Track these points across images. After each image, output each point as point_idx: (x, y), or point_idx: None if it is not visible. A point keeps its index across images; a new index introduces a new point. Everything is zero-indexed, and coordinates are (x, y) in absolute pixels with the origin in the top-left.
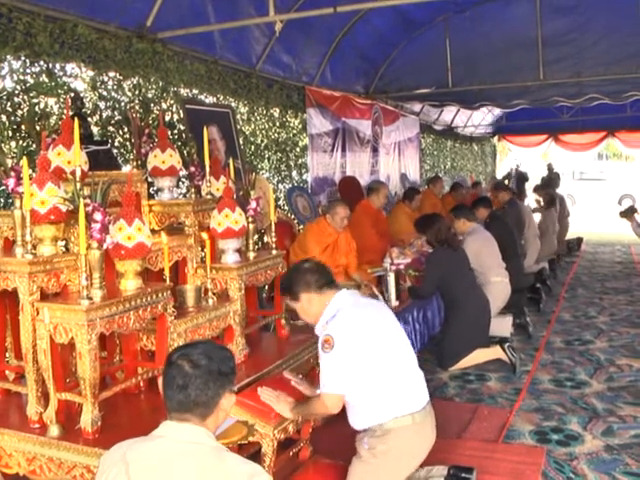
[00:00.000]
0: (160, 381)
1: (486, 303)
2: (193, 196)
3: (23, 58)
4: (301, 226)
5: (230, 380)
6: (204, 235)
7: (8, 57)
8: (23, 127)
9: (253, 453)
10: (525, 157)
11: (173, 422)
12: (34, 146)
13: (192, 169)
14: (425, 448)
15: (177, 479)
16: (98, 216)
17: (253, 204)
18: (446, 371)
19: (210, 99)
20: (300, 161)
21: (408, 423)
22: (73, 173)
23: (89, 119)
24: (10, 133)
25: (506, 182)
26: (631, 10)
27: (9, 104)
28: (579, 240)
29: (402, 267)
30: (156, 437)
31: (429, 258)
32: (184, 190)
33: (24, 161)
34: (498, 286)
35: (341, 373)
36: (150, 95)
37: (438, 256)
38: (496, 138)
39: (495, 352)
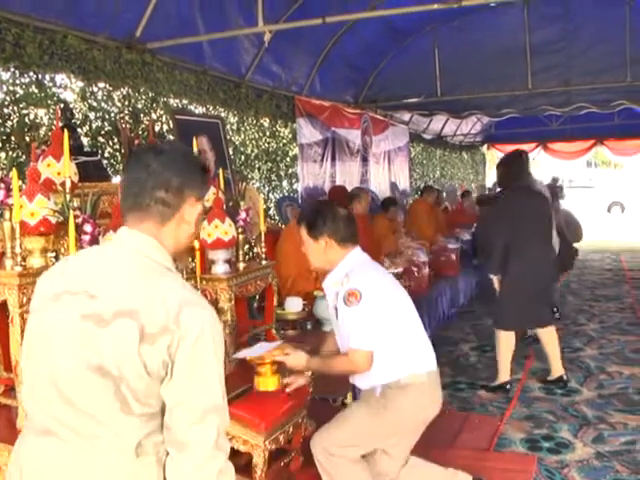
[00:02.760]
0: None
1: (551, 269)
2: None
3: (12, 69)
4: None
5: (199, 181)
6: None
7: None
8: (13, 138)
9: (244, 464)
10: None
11: (126, 228)
12: (24, 157)
13: None
14: (435, 409)
15: (107, 282)
16: (88, 228)
17: (243, 214)
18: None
19: (200, 109)
20: (290, 171)
21: (424, 380)
22: (63, 184)
23: (79, 130)
24: (0, 144)
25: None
26: (619, 19)
27: None
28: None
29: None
30: (109, 243)
31: (497, 202)
32: None
33: (14, 172)
34: None
35: (369, 328)
36: (140, 105)
37: (508, 200)
38: (485, 147)
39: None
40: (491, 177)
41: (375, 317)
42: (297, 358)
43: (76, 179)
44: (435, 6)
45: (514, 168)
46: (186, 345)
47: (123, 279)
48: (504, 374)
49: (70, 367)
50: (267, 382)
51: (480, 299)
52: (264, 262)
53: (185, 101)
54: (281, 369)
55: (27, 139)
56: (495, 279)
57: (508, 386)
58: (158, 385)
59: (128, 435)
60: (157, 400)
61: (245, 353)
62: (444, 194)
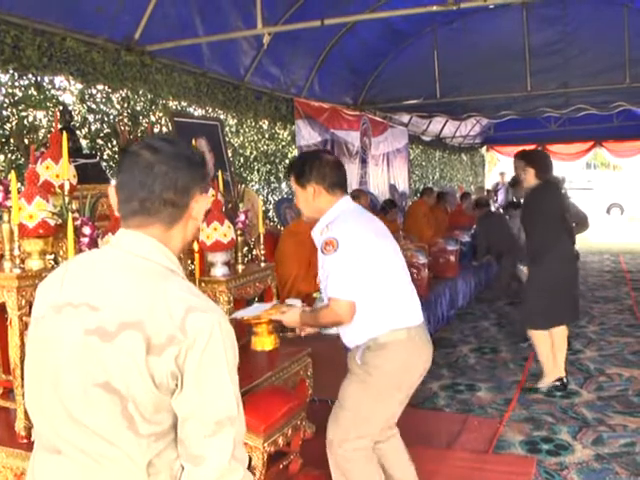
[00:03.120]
0: (111, 191)
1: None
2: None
3: (11, 71)
4: None
5: (201, 175)
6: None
7: None
8: (12, 140)
9: None
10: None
11: (128, 230)
12: (22, 159)
13: None
14: (420, 367)
15: (109, 291)
16: (87, 230)
17: (242, 217)
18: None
19: (199, 111)
20: None
21: (403, 337)
22: (62, 187)
23: (78, 132)
24: None
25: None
26: (618, 20)
27: None
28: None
29: None
30: (107, 247)
31: (535, 194)
32: None
33: (12, 175)
34: None
35: (347, 277)
36: (139, 108)
37: (544, 194)
38: (484, 148)
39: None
40: (491, 179)
41: (353, 267)
42: (292, 315)
43: (75, 181)
44: (434, 8)
45: (544, 164)
46: (195, 354)
47: (125, 287)
48: (553, 372)
49: (76, 384)
50: (264, 341)
51: (487, 294)
52: (263, 264)
53: (184, 103)
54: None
55: (26, 141)
56: (525, 270)
57: (565, 380)
58: (168, 398)
59: (138, 455)
60: (168, 416)
61: (241, 313)
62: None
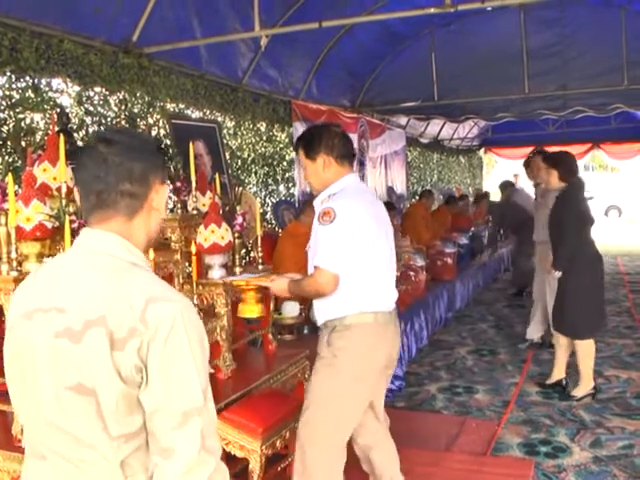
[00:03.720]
0: (75, 190)
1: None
2: (179, 211)
3: (9, 73)
4: None
5: (158, 164)
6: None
7: None
8: (9, 143)
9: (241, 469)
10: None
11: (88, 228)
12: (20, 162)
13: (178, 184)
14: (384, 356)
15: (74, 292)
16: None
17: (239, 219)
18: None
19: (196, 114)
20: (287, 175)
21: (369, 321)
22: (59, 189)
23: (75, 135)
24: None
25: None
26: (615, 23)
27: None
28: None
29: None
30: (72, 248)
31: (564, 197)
32: (170, 205)
33: (9, 177)
34: None
35: (336, 249)
36: (136, 110)
37: (577, 196)
38: (482, 150)
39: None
40: (489, 181)
41: (343, 242)
42: (280, 283)
43: (72, 184)
44: (432, 10)
45: (569, 165)
46: (157, 345)
47: (88, 285)
48: (588, 382)
49: (51, 389)
50: (251, 309)
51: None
52: (261, 266)
53: (182, 105)
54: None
55: (23, 144)
56: (557, 275)
57: (592, 390)
58: (136, 393)
59: (112, 457)
60: (139, 417)
61: (232, 278)
62: (441, 196)
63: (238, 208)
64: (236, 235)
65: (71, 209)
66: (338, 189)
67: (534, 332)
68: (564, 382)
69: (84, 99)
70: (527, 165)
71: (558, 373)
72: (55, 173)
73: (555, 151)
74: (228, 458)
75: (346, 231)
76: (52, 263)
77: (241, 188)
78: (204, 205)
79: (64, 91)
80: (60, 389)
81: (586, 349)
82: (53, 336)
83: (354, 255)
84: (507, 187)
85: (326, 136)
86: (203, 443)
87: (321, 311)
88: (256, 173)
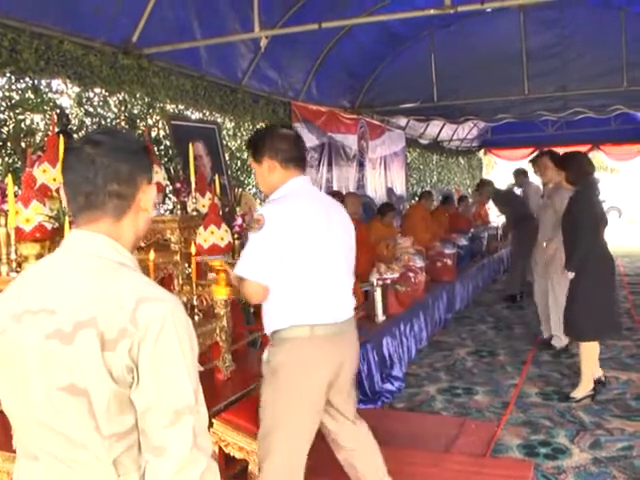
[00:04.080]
0: (62, 192)
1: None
2: (179, 212)
3: (8, 74)
4: None
5: (145, 164)
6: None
7: None
8: (9, 144)
9: (240, 470)
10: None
11: (76, 230)
12: (19, 163)
13: (178, 185)
14: (325, 373)
15: (64, 293)
16: None
17: (239, 220)
18: (578, 343)
19: (196, 115)
20: None
21: (305, 334)
22: (58, 191)
23: (75, 135)
24: None
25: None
26: (615, 24)
27: None
28: None
29: (389, 282)
30: (59, 250)
31: (577, 198)
32: (170, 206)
33: (9, 178)
34: None
35: (263, 260)
36: (136, 111)
37: (589, 197)
38: (482, 151)
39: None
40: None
41: (271, 250)
42: (235, 275)
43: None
44: (432, 11)
45: (582, 165)
46: (147, 345)
47: (78, 287)
48: (588, 383)
49: (42, 391)
50: (220, 290)
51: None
52: None
53: (181, 106)
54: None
55: (23, 145)
56: (570, 276)
57: (592, 392)
58: (128, 392)
59: (104, 455)
60: (131, 416)
61: (207, 258)
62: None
63: (238, 209)
64: (236, 236)
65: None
66: (280, 194)
67: (545, 332)
68: (602, 379)
69: (84, 100)
70: (534, 162)
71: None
72: (55, 174)
73: (566, 152)
74: (227, 459)
75: (275, 239)
76: (40, 265)
77: (241, 189)
78: (204, 206)
79: (64, 92)
80: (52, 390)
81: (589, 351)
82: (44, 338)
83: (283, 264)
84: (520, 174)
85: (271, 139)
86: (195, 441)
87: (265, 322)
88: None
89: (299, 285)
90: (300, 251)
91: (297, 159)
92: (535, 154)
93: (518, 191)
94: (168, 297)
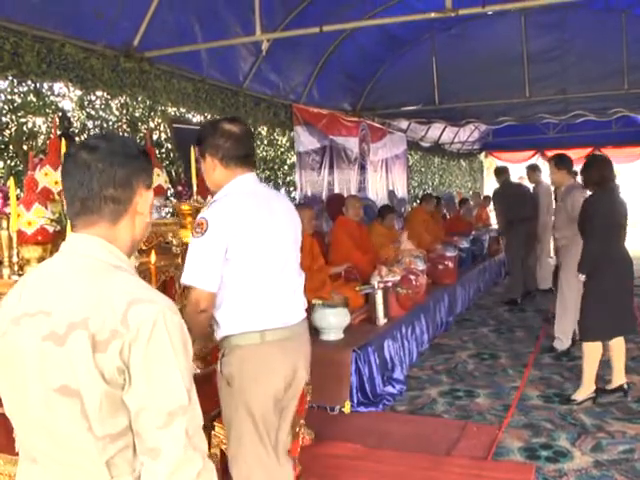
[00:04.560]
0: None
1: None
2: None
3: (10, 78)
4: None
5: (143, 168)
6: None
7: None
8: (11, 147)
9: None
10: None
11: (75, 233)
12: (21, 166)
13: (179, 188)
14: (276, 381)
15: (59, 295)
16: None
17: None
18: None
19: (197, 118)
20: (288, 179)
21: (255, 341)
22: (60, 194)
23: (77, 138)
24: None
25: None
26: (616, 27)
27: None
28: None
29: (390, 285)
30: (58, 253)
31: (589, 201)
32: (171, 209)
33: (11, 181)
34: None
35: (207, 265)
36: (137, 114)
37: (601, 201)
38: (483, 154)
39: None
40: (489, 185)
41: (217, 255)
42: None
43: None
44: (432, 15)
45: (605, 169)
46: (139, 347)
47: (73, 288)
48: (589, 386)
49: (40, 393)
50: None
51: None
52: None
53: (183, 109)
54: None
55: (25, 148)
56: (582, 278)
57: (593, 394)
58: (120, 394)
59: (98, 456)
60: (124, 418)
61: None
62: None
63: None
64: None
65: None
66: (223, 194)
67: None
68: (625, 386)
69: (86, 103)
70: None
71: (617, 378)
72: (56, 177)
73: (589, 155)
74: (227, 461)
75: (218, 243)
76: (40, 268)
77: None
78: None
79: (66, 95)
80: (48, 392)
81: (590, 352)
82: (40, 340)
83: (231, 268)
84: (535, 171)
85: (211, 135)
86: (189, 442)
87: (217, 328)
88: (257, 177)
89: (246, 288)
90: (245, 253)
91: (239, 157)
92: (552, 155)
93: (529, 187)
94: (160, 299)
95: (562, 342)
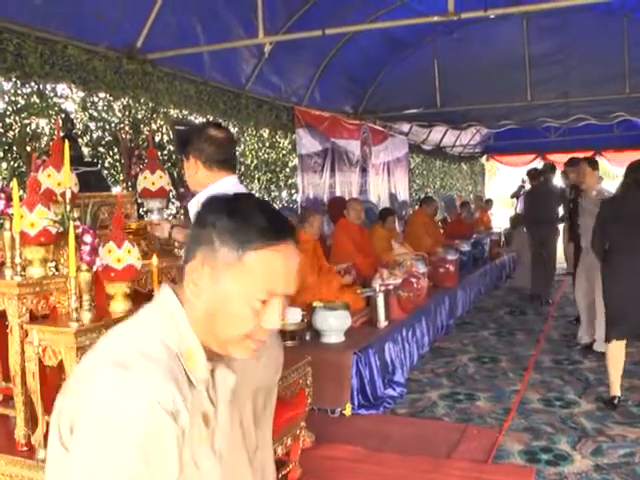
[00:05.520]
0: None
1: None
2: (182, 217)
3: (14, 79)
4: None
5: None
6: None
7: None
8: (14, 148)
9: None
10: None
11: None
12: (24, 167)
13: (182, 190)
14: None
15: None
16: (88, 238)
17: None
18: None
19: (200, 120)
20: (290, 181)
21: None
22: (63, 195)
23: (79, 140)
24: (1, 154)
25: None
26: (617, 31)
27: (0, 125)
28: None
29: (391, 287)
30: None
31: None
32: (174, 211)
33: (14, 182)
34: None
35: None
36: (140, 116)
37: (615, 197)
38: (485, 157)
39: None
40: (491, 188)
41: None
42: (160, 228)
43: (76, 189)
44: (435, 18)
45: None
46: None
47: None
48: (614, 388)
49: None
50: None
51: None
52: None
53: (185, 111)
54: None
55: (28, 149)
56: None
57: (616, 401)
58: None
59: None
60: None
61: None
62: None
63: None
64: None
65: (75, 214)
66: (208, 194)
67: (584, 334)
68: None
69: (88, 105)
70: (571, 167)
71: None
72: (59, 178)
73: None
74: None
75: None
76: None
77: None
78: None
79: (69, 97)
80: None
81: (609, 354)
82: None
83: None
84: (553, 171)
85: (196, 138)
86: None
87: None
88: (259, 179)
89: None
90: None
91: (222, 162)
92: (570, 157)
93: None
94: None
95: (601, 345)
